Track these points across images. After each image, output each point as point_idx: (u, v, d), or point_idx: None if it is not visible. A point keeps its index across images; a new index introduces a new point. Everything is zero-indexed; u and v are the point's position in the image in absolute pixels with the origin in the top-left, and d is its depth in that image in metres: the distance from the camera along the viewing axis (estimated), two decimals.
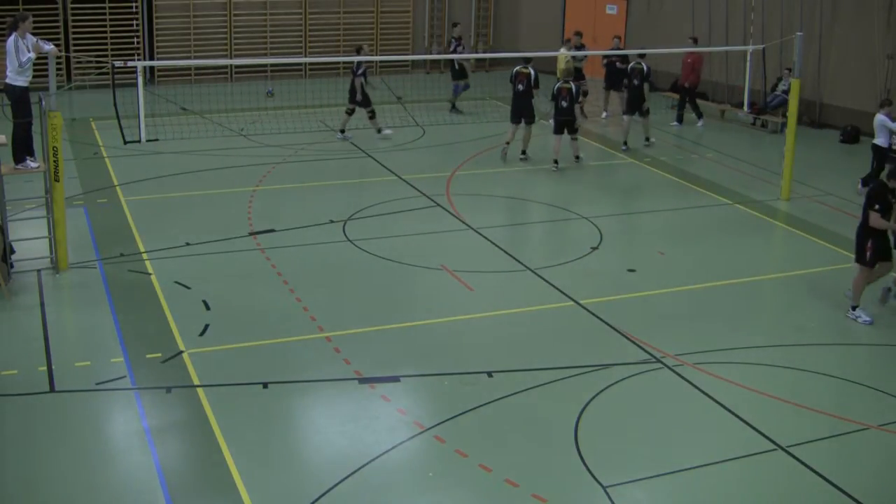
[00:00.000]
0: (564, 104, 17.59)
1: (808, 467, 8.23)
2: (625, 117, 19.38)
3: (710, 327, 11.07)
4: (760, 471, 8.25)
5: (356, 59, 18.85)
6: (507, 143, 18.15)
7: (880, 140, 16.20)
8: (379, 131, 19.58)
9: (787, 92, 18.61)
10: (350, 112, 19.44)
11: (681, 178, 17.22)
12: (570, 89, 17.63)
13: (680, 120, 21.52)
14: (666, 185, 16.97)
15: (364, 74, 19.10)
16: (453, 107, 22.30)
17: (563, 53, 20.23)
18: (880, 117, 16.18)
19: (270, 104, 22.55)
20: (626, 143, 19.16)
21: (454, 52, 22.42)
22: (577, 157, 18.01)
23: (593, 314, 11.23)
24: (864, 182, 16.38)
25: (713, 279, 12.45)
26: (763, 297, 12.27)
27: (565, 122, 17.67)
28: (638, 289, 12.09)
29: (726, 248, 13.79)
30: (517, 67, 18.28)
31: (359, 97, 19.05)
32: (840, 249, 13.60)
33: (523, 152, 18.17)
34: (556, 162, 17.66)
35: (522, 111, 18.07)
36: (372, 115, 19.45)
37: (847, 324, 11.26)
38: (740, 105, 19.83)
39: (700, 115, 21.46)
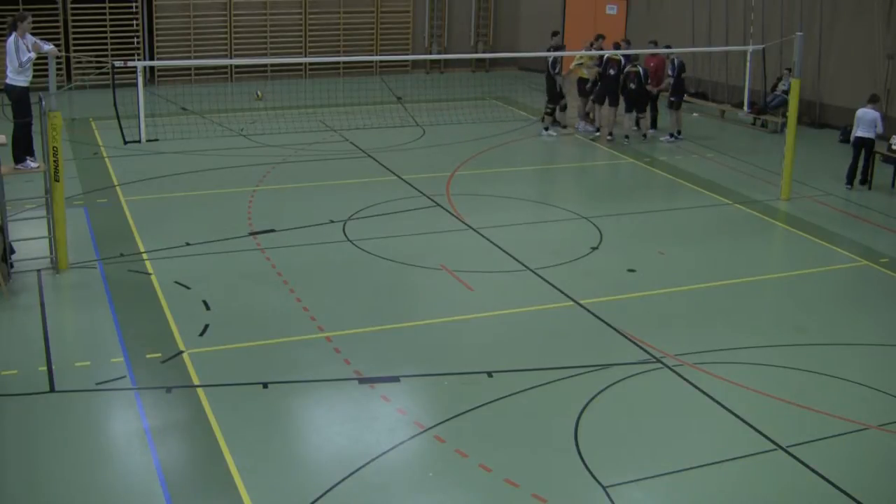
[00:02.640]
0: (633, 86, 19.41)
1: (808, 467, 8.23)
2: (673, 111, 20.16)
3: (710, 327, 11.07)
4: (760, 471, 8.25)
5: (552, 54, 19.99)
6: (604, 128, 19.93)
7: (871, 133, 16.20)
8: (546, 129, 20.16)
9: (787, 92, 18.62)
10: (563, 108, 20.47)
11: (681, 178, 17.23)
12: (639, 72, 19.40)
13: (654, 125, 20.72)
14: (666, 185, 16.98)
15: (560, 73, 20.26)
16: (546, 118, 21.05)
17: (585, 54, 20.08)
18: (875, 114, 16.17)
19: (270, 104, 22.55)
20: (679, 132, 20.14)
21: (554, 63, 20.30)
22: (640, 135, 19.75)
23: (593, 314, 11.23)
24: (851, 179, 16.45)
25: (713, 279, 12.46)
26: (763, 297, 12.26)
27: (634, 101, 19.61)
28: (638, 289, 12.09)
29: (726, 248, 13.80)
30: (606, 55, 19.64)
31: (559, 88, 20.24)
32: (840, 249, 13.61)
33: (609, 133, 19.82)
34: (627, 137, 19.73)
35: (609, 95, 19.77)
36: (551, 112, 20.25)
37: (847, 324, 11.27)
38: (740, 105, 19.82)
39: (655, 126, 20.70)
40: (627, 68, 19.42)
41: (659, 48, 20.20)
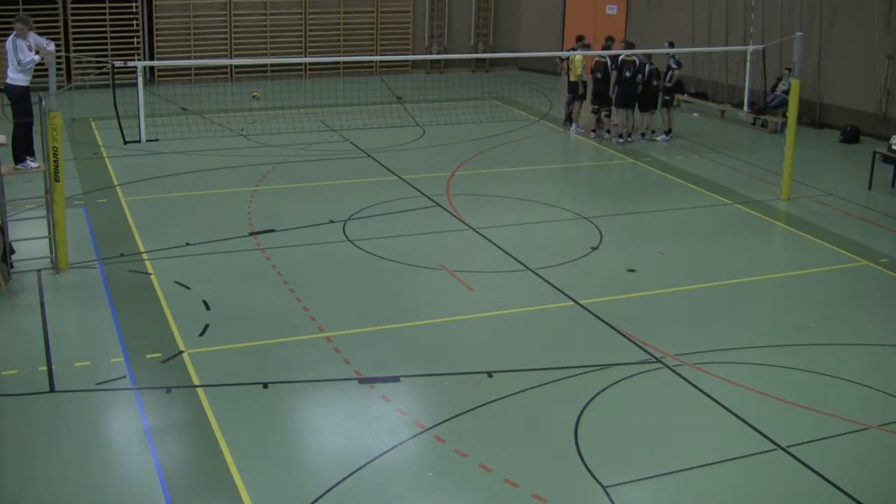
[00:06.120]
0: (656, 83, 19.64)
1: (808, 467, 8.23)
2: (663, 110, 20.26)
3: (710, 327, 11.07)
4: (760, 471, 8.26)
5: (567, 53, 20.14)
6: (618, 126, 19.92)
7: None
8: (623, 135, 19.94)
9: (787, 92, 18.61)
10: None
11: (681, 178, 17.23)
12: (657, 69, 19.66)
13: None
14: (666, 185, 16.98)
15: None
16: (568, 118, 20.82)
17: (579, 53, 20.03)
18: None
19: (270, 104, 22.55)
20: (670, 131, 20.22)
21: (568, 60, 20.60)
22: (652, 132, 19.92)
23: (593, 314, 11.23)
24: None
25: (713, 279, 12.45)
26: (763, 297, 12.27)
27: (655, 99, 19.86)
28: (638, 289, 12.09)
29: (726, 248, 13.79)
30: (622, 56, 19.29)
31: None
32: (840, 249, 13.61)
33: (623, 135, 19.76)
34: (621, 136, 19.72)
35: (629, 97, 19.57)
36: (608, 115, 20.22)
37: (847, 324, 11.28)
38: (740, 105, 19.82)
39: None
40: (649, 67, 19.31)
41: (638, 48, 20.14)
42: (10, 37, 12.09)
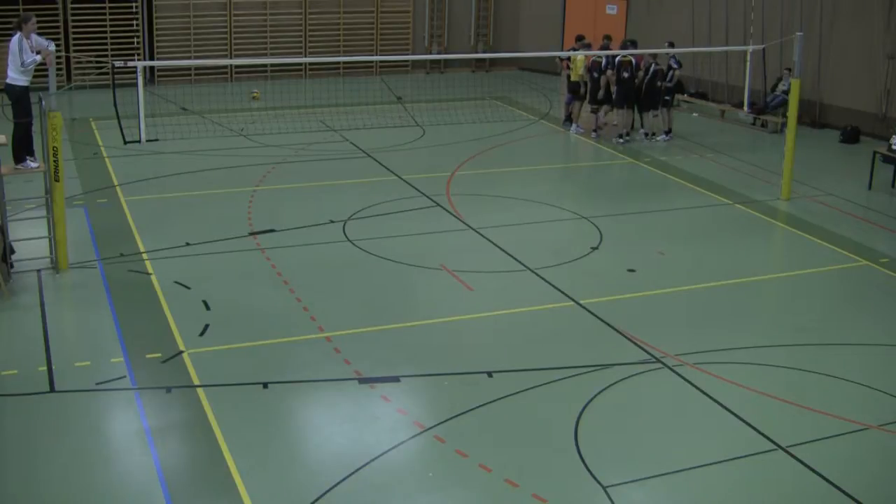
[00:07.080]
0: (660, 83, 19.65)
1: (808, 467, 8.23)
2: (663, 110, 20.16)
3: (710, 327, 11.07)
4: (760, 471, 8.25)
5: (569, 53, 19.93)
6: (617, 125, 19.91)
7: None
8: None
9: (787, 92, 18.61)
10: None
11: (681, 178, 17.22)
12: (662, 69, 19.73)
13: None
14: (666, 185, 16.98)
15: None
16: (568, 118, 20.76)
17: (580, 53, 20.00)
18: None
19: (270, 104, 22.54)
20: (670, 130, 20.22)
21: (569, 60, 20.65)
22: (652, 133, 19.93)
23: (593, 314, 11.23)
24: None
25: (713, 279, 12.45)
26: (763, 297, 12.27)
27: (659, 99, 19.76)
28: (638, 289, 12.09)
29: (726, 248, 13.79)
30: (618, 57, 19.23)
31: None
32: (840, 249, 13.61)
33: (626, 134, 19.73)
34: (621, 137, 19.67)
35: (628, 96, 19.53)
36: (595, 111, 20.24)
37: (847, 324, 11.28)
38: (740, 105, 19.80)
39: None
40: (654, 67, 19.34)
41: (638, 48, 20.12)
42: (16, 37, 12.08)
